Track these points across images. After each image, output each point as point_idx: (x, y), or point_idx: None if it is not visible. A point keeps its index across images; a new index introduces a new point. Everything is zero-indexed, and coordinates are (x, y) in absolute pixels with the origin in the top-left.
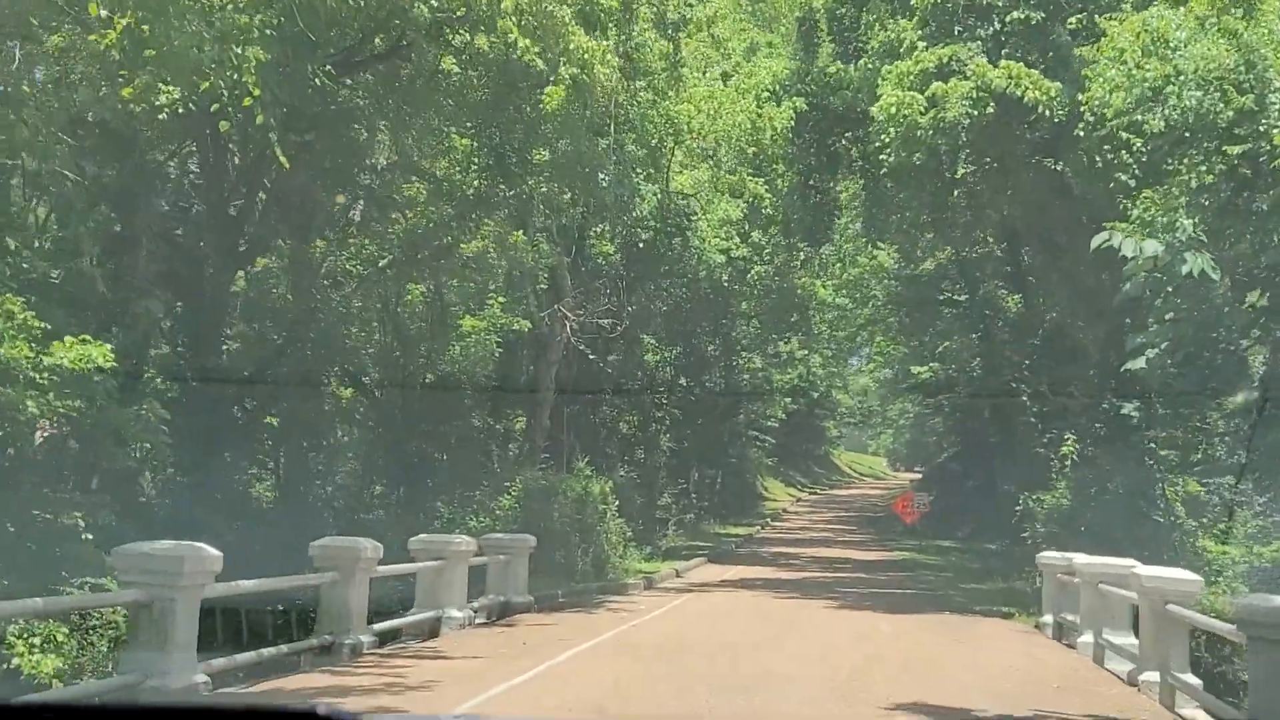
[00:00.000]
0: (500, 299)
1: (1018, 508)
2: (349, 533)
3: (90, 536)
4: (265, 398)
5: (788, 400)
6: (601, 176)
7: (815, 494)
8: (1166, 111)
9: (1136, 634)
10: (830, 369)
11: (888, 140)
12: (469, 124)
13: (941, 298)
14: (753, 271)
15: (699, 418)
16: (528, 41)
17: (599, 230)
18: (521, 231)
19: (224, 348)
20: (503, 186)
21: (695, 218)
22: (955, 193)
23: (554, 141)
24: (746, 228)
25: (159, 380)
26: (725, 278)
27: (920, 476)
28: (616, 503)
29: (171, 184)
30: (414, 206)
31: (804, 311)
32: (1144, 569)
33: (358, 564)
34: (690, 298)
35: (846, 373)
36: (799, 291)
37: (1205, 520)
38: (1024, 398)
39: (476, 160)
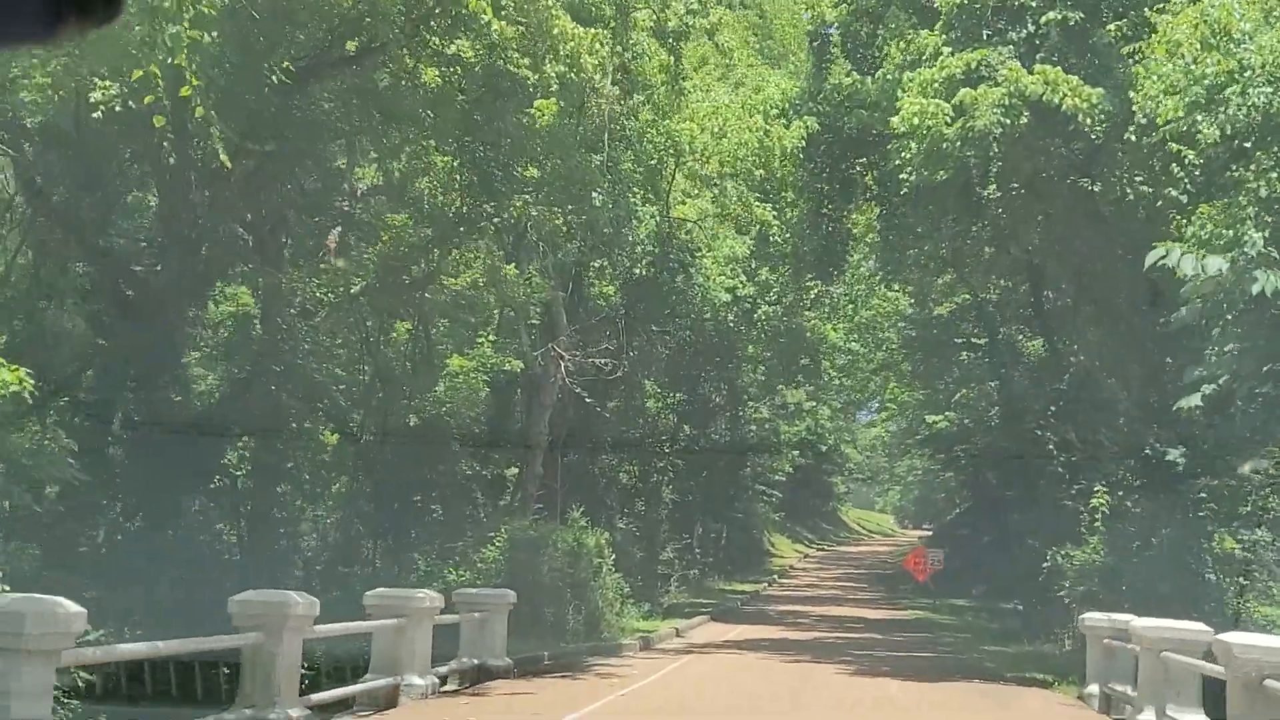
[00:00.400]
0: (491, 338)
1: (1045, 564)
2: (324, 586)
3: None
4: (229, 438)
5: (795, 453)
6: (595, 195)
7: (823, 550)
8: (1230, 113)
9: (1207, 712)
10: (839, 422)
11: (909, 156)
12: (450, 139)
13: (958, 340)
14: (760, 311)
15: (703, 470)
16: (506, 27)
17: (598, 266)
18: (514, 265)
19: (183, 383)
20: (488, 207)
21: (699, 254)
22: (979, 223)
23: (543, 158)
24: (753, 265)
25: (63, 401)
26: (731, 318)
27: (930, 533)
28: (613, 556)
29: (128, 200)
30: (389, 230)
31: (814, 355)
32: (1234, 637)
33: (286, 622)
34: (694, 340)
35: (855, 427)
36: (808, 334)
37: (1261, 577)
38: (1050, 445)
39: (459, 178)
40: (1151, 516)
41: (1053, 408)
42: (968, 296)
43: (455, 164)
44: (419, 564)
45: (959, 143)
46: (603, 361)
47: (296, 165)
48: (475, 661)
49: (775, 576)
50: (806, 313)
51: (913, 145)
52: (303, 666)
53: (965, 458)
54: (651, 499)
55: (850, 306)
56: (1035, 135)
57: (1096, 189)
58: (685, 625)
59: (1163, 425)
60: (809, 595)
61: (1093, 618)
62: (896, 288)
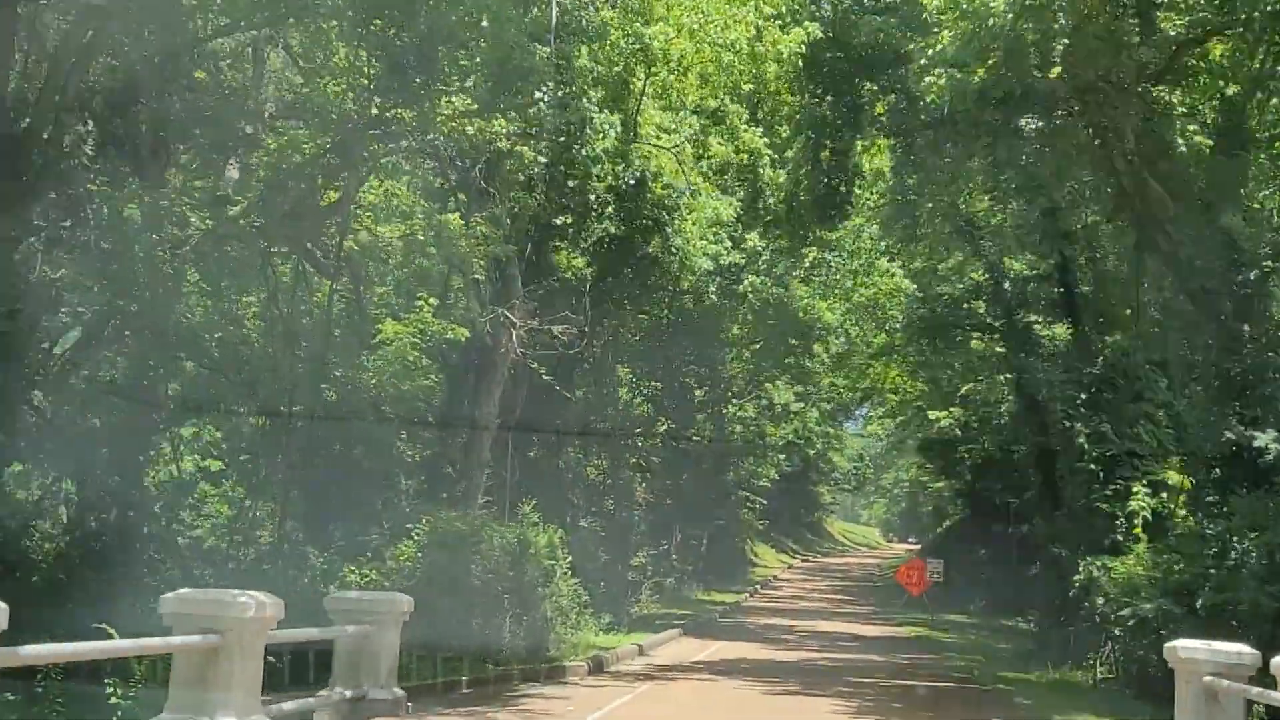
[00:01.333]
0: (433, 300)
1: (1077, 577)
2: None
3: None
4: (77, 397)
5: (781, 457)
6: (539, 95)
7: (808, 561)
8: None
9: None
10: (827, 427)
11: (939, 51)
12: (357, 23)
13: (969, 324)
14: (746, 282)
15: (683, 471)
16: None
17: (560, 224)
18: (457, 213)
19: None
20: (404, 113)
21: (677, 214)
22: (1019, 150)
23: (474, 46)
24: (740, 230)
25: None
26: (713, 290)
27: (917, 547)
28: (568, 559)
29: None
30: (277, 138)
31: (806, 337)
32: None
33: None
34: (671, 319)
35: (843, 435)
36: (801, 312)
37: None
38: (1079, 439)
39: (369, 69)
40: (1241, 516)
41: (1082, 396)
42: (982, 276)
43: (360, 50)
44: (315, 561)
45: (1012, 14)
46: (565, 334)
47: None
48: (349, 693)
49: (758, 587)
50: (800, 285)
51: (945, 34)
52: None
53: (965, 463)
54: (622, 498)
55: (849, 279)
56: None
57: (1174, 97)
58: (652, 641)
59: (1246, 404)
60: (794, 608)
61: (1187, 647)
62: (900, 263)
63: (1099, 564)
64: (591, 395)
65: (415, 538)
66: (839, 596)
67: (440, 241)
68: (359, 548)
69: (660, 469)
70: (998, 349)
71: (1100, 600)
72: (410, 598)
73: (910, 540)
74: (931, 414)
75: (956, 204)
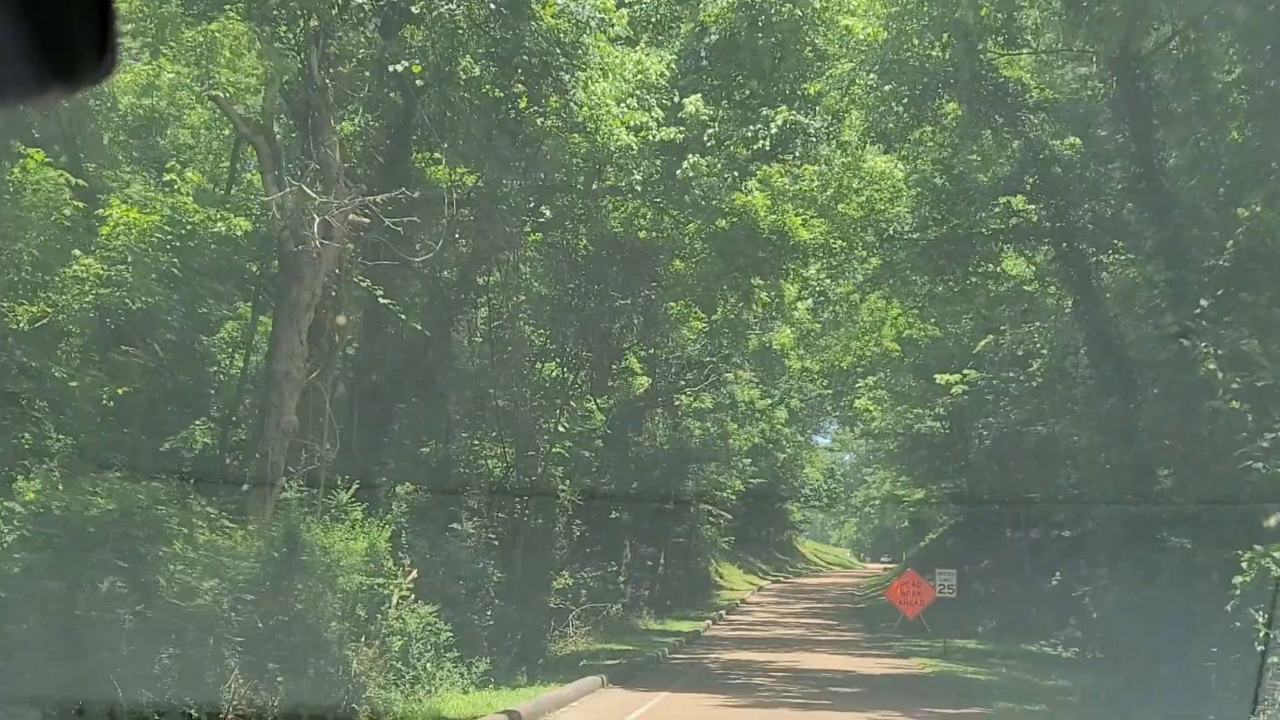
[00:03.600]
0: (189, 173)
1: (1240, 580)
2: None
3: None
4: None
5: (747, 462)
6: None
7: (779, 582)
8: None
9: None
10: (796, 433)
11: None
12: None
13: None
14: (688, 163)
15: (631, 477)
16: None
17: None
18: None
19: None
20: None
21: (580, 57)
22: None
23: None
24: (677, 97)
25: None
26: (637, 175)
27: (893, 566)
28: (413, 576)
29: None
30: None
31: (774, 253)
32: None
33: None
34: (585, 237)
35: (814, 449)
36: (762, 226)
37: None
38: (1203, 364)
39: None
40: None
41: (1202, 303)
42: (1017, 157)
43: None
44: None
45: None
46: (423, 249)
47: None
48: None
49: (722, 612)
50: (759, 169)
51: None
52: None
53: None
54: (540, 504)
55: (830, 153)
56: None
57: None
58: (548, 701)
59: None
60: (767, 637)
61: None
62: (902, 151)
63: (1268, 555)
64: (485, 358)
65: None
66: (819, 621)
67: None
68: None
69: (593, 466)
70: (1041, 264)
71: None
72: None
73: (883, 559)
74: (941, 378)
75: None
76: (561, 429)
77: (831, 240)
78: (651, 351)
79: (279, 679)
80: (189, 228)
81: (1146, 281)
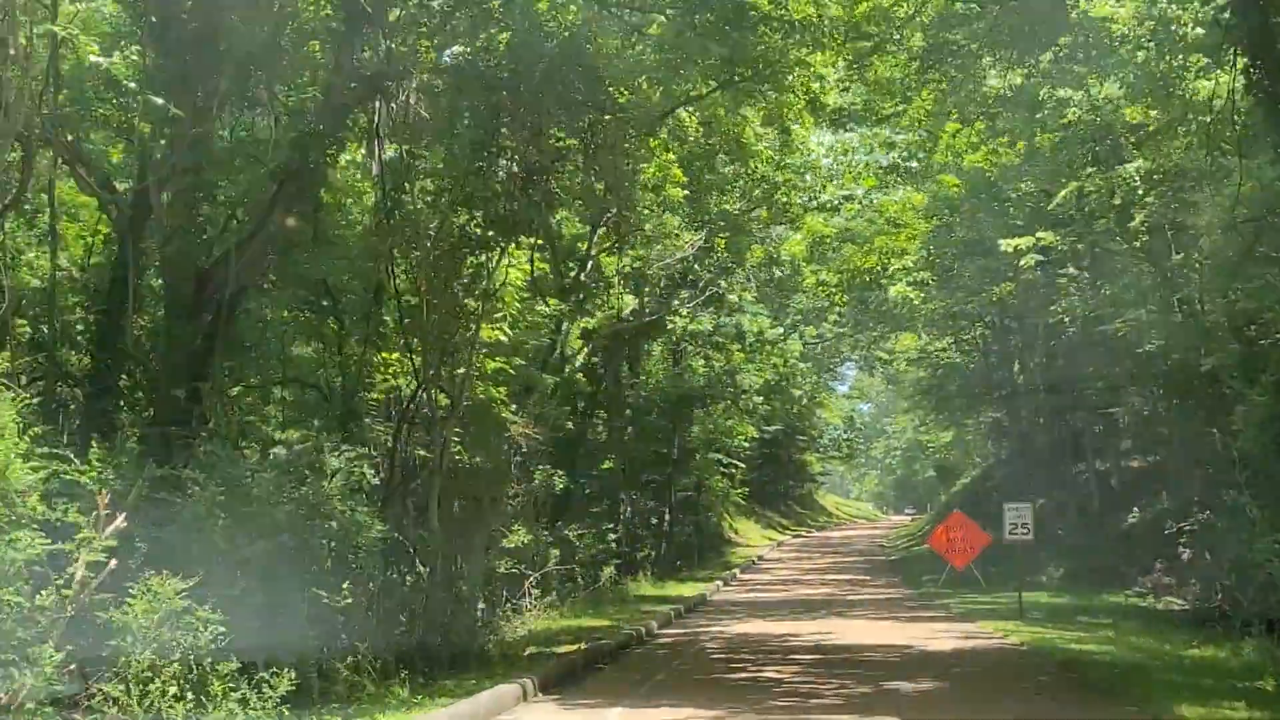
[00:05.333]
0: None
1: None
2: None
3: None
4: None
5: (759, 401)
6: None
7: (800, 536)
8: None
9: None
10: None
11: None
12: None
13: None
14: None
15: (628, 425)
16: None
17: None
18: None
19: None
20: None
21: None
22: None
23: None
24: None
25: None
26: None
27: (913, 516)
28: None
29: None
30: None
31: (775, 38)
32: None
33: None
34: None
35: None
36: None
37: None
38: None
39: None
40: None
41: None
42: None
43: None
44: None
45: None
46: None
47: None
48: None
49: (735, 571)
50: None
51: None
52: None
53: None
54: (478, 438)
55: None
56: None
57: None
58: None
59: None
60: (788, 598)
61: None
62: None
63: None
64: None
65: None
66: (848, 577)
67: None
68: None
69: (577, 405)
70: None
71: None
72: None
73: (908, 512)
74: (1007, 243)
75: None
76: (501, 337)
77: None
78: (635, 263)
79: None
80: None
81: None
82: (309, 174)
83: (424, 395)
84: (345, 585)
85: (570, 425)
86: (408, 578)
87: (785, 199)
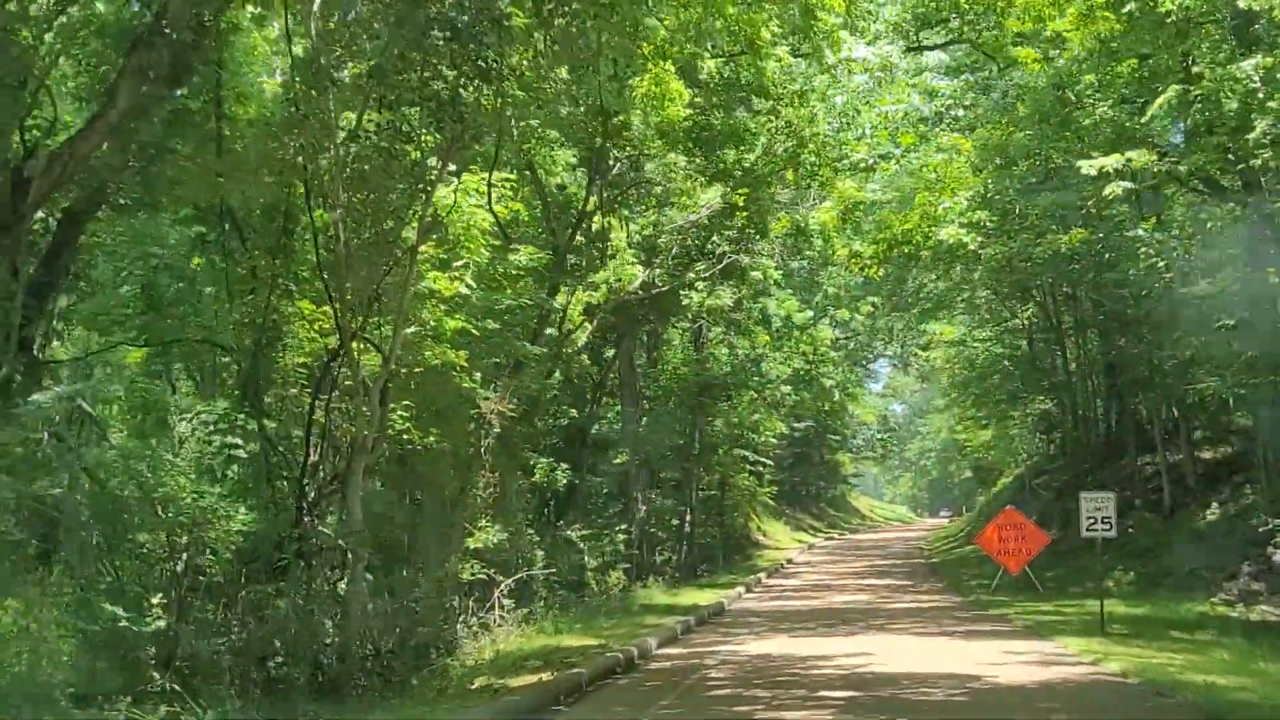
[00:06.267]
0: None
1: None
2: None
3: None
4: None
5: (787, 391)
6: None
7: (832, 539)
8: None
9: None
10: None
11: None
12: None
13: None
14: None
15: (642, 416)
16: None
17: None
18: None
19: None
20: None
21: None
22: None
23: None
24: None
25: None
26: None
27: (950, 519)
28: None
29: None
30: None
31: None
32: None
33: None
34: None
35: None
36: None
37: None
38: None
39: None
40: None
41: None
42: None
43: None
44: None
45: None
46: None
47: None
48: None
49: (761, 576)
50: None
51: None
52: None
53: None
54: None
55: None
56: None
57: None
58: None
59: None
60: (818, 607)
61: None
62: None
63: None
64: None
65: None
66: (887, 583)
67: None
68: None
69: (580, 391)
70: None
71: None
72: None
73: (943, 514)
74: (1087, 164)
75: None
76: (462, 288)
77: None
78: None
79: None
80: None
81: None
82: (190, 32)
83: (345, 354)
84: (156, 600)
85: (574, 413)
86: (312, 587)
87: (815, 154)
